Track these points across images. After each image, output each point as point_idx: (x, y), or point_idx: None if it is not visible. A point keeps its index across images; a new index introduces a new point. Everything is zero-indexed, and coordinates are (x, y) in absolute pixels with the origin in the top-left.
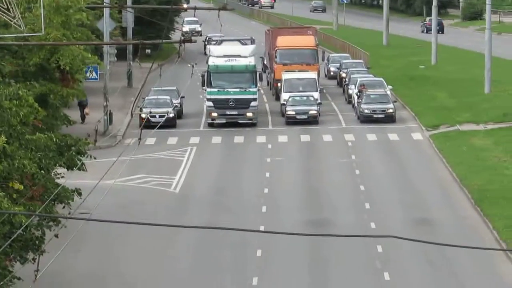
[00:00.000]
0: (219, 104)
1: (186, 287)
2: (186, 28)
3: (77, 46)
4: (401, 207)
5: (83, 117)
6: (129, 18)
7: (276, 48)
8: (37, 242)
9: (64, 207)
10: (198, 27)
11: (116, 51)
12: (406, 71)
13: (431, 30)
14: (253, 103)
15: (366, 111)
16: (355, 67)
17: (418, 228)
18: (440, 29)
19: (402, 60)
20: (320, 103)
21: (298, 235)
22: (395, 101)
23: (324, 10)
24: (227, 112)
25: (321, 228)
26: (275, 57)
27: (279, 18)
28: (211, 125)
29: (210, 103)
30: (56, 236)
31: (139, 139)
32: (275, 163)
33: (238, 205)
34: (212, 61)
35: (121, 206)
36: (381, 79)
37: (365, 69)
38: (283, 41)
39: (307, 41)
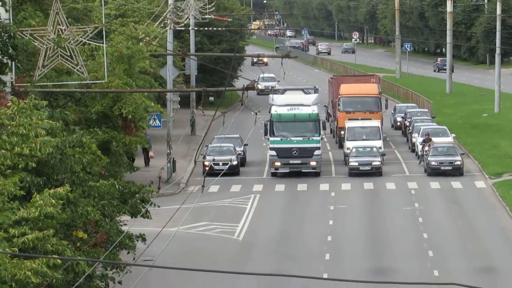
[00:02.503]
0: (282, 153)
1: None
2: (262, 86)
3: (140, 94)
4: (464, 255)
5: (147, 161)
6: (192, 66)
7: (340, 96)
8: None
9: (128, 253)
10: (275, 84)
11: (179, 98)
12: (469, 119)
13: (442, 70)
14: (316, 152)
15: (433, 163)
16: (419, 116)
17: (482, 277)
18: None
19: (465, 108)
20: (384, 154)
21: (361, 282)
22: (462, 154)
23: (353, 52)
24: (291, 161)
25: (384, 275)
26: (338, 105)
27: (342, 65)
28: (274, 174)
29: (273, 152)
30: (120, 282)
31: (203, 186)
32: (338, 211)
33: (301, 253)
34: (275, 110)
35: (184, 253)
36: (445, 127)
37: (430, 118)
38: (346, 89)
39: (370, 89)
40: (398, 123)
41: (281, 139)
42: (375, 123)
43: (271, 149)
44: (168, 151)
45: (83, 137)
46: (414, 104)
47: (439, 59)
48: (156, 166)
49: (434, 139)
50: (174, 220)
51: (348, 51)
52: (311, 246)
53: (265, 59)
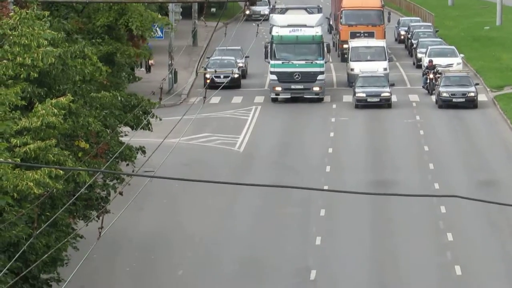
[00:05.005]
0: (283, 78)
1: (248, 245)
2: (250, 11)
3: (144, 6)
4: (465, 168)
5: (148, 68)
6: None
7: (342, 9)
8: (101, 202)
9: (127, 164)
10: (265, 10)
11: (181, 9)
12: (471, 32)
13: None
14: (320, 77)
15: (444, 94)
16: (423, 29)
17: (482, 189)
18: None
19: (466, 21)
20: (392, 84)
21: (361, 194)
22: (477, 84)
23: None
24: (292, 86)
25: (385, 188)
26: (341, 18)
27: None
28: (275, 100)
29: (274, 77)
30: (121, 193)
31: (204, 98)
32: (339, 123)
33: (302, 165)
34: (276, 31)
35: (185, 164)
36: (453, 47)
37: (433, 32)
38: (349, 2)
39: (373, 2)
40: (402, 37)
41: (282, 62)
42: (381, 43)
43: (272, 73)
44: (170, 62)
45: (86, 48)
46: (418, 18)
47: None
48: (158, 77)
49: (442, 60)
50: (175, 132)
51: None
52: (312, 158)
53: None
